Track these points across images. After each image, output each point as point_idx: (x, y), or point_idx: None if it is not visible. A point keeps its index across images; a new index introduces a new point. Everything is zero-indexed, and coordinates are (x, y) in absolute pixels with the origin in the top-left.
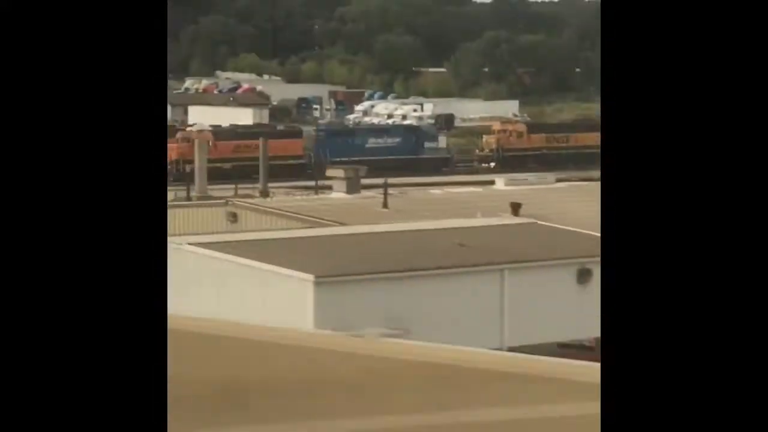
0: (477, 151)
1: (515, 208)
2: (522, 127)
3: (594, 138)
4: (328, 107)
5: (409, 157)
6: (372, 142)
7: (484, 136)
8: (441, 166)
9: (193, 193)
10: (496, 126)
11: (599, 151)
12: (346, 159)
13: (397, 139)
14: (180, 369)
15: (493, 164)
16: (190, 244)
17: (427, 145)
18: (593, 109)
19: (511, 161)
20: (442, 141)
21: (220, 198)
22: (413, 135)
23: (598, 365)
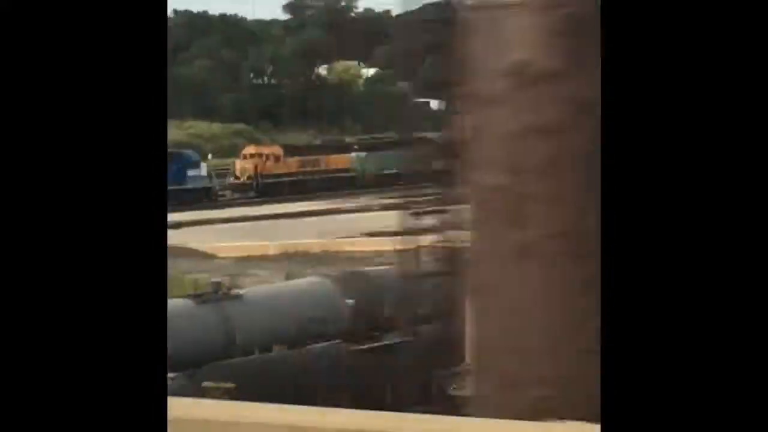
0: (231, 178)
1: None
2: (279, 151)
3: (344, 161)
4: None
5: (175, 187)
6: None
7: (237, 161)
8: (203, 196)
9: None
10: (250, 149)
11: (350, 174)
12: None
13: None
14: None
15: (252, 194)
16: None
17: (190, 173)
18: (196, 127)
19: (268, 189)
20: (204, 168)
21: None
22: (176, 162)
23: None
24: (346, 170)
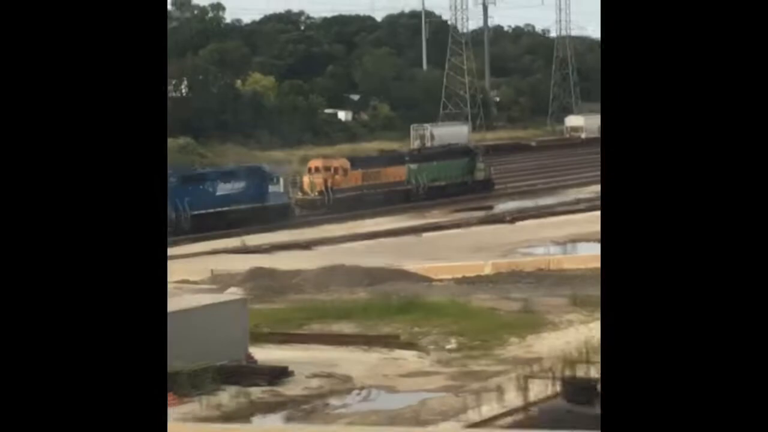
0: (299, 194)
1: None
2: (347, 164)
3: (401, 172)
4: None
5: (257, 205)
6: (222, 189)
7: (305, 176)
8: (283, 214)
9: None
10: (316, 163)
11: (408, 186)
12: (203, 211)
13: (243, 184)
14: None
15: (324, 210)
16: None
17: (271, 189)
18: None
19: (339, 205)
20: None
21: None
22: (257, 177)
23: None
24: (402, 182)
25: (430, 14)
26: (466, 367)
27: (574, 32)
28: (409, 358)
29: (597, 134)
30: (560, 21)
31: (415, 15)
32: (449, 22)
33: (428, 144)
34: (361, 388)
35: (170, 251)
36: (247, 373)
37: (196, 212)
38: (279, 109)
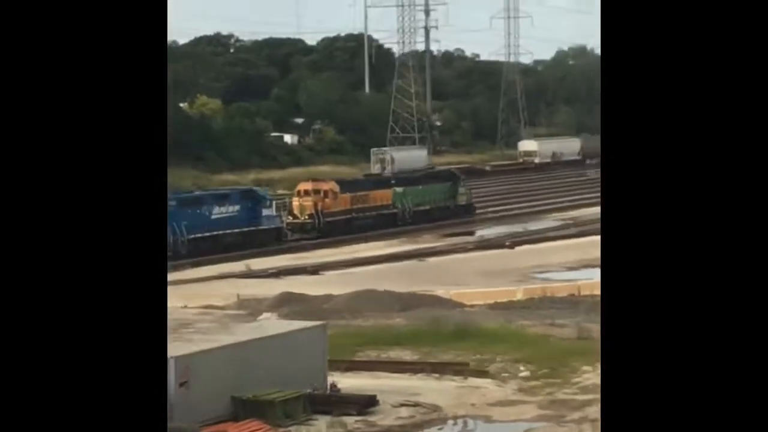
0: (289, 217)
1: None
2: (336, 187)
3: (387, 195)
4: None
5: (251, 228)
6: (217, 212)
7: (295, 198)
8: (276, 238)
9: None
10: (306, 186)
11: (394, 210)
12: (199, 235)
13: (237, 207)
14: None
15: (315, 233)
16: None
17: (264, 212)
18: None
19: (330, 228)
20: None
21: None
22: (250, 201)
23: None
24: (388, 206)
25: (367, 38)
26: (552, 395)
27: (522, 57)
28: (488, 386)
29: (550, 159)
30: (509, 45)
31: (351, 38)
32: (397, 44)
33: (388, 168)
34: (455, 418)
35: (178, 276)
36: (336, 402)
37: (191, 236)
38: (226, 132)
